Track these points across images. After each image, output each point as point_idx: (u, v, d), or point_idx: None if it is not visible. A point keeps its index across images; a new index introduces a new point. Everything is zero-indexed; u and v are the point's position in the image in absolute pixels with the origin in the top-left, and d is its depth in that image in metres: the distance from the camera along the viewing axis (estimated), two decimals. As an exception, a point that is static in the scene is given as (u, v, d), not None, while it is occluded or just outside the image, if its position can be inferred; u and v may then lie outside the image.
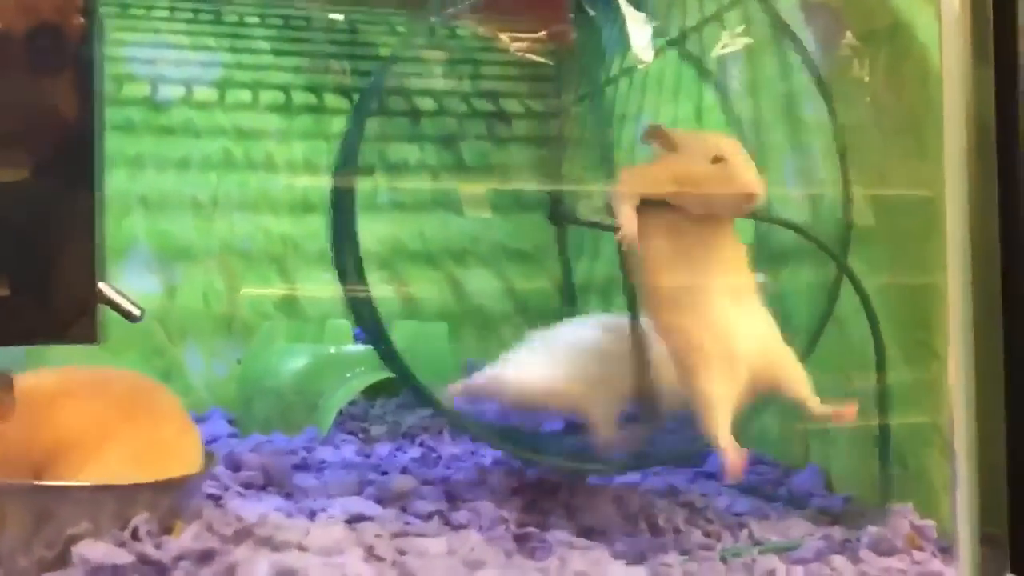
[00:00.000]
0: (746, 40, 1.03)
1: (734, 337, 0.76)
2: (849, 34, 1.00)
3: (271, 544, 0.61)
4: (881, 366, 0.90)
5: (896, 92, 0.95)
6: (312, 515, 0.74)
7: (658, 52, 1.27)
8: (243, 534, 0.63)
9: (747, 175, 0.77)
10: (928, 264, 0.90)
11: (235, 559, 0.59)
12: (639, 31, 1.24)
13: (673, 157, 0.80)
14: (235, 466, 0.82)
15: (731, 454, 0.72)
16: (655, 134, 0.82)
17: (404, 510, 0.82)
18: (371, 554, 0.63)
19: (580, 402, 0.87)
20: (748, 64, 1.17)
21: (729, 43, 1.04)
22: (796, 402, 0.77)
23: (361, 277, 0.88)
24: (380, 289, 1.53)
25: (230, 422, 1.27)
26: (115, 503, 0.64)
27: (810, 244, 0.95)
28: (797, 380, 0.78)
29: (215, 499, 0.72)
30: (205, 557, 0.60)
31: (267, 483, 0.81)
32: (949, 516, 0.83)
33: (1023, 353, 0.80)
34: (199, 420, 1.26)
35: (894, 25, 0.96)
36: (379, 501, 0.82)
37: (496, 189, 1.48)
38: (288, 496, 0.81)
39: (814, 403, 0.78)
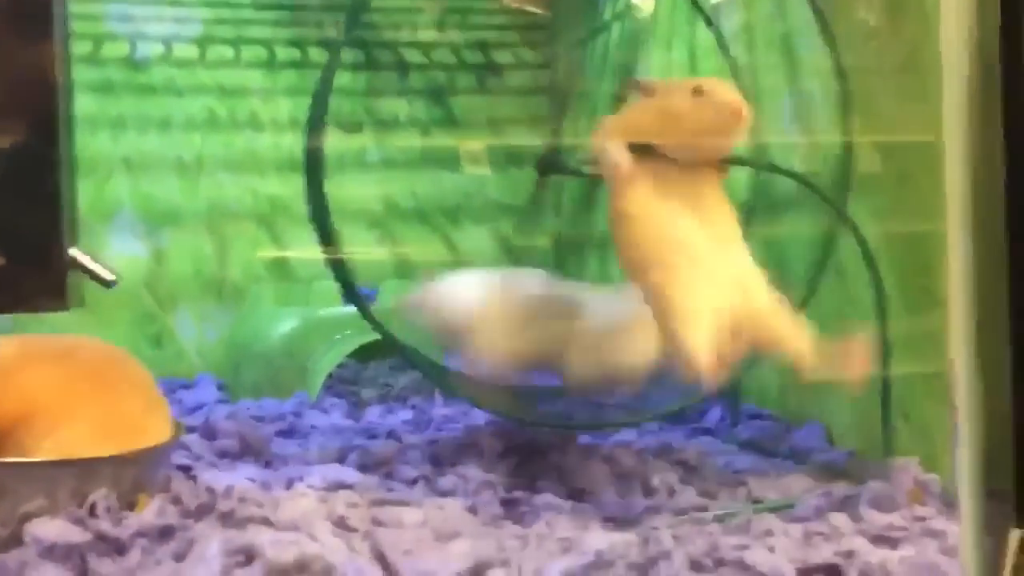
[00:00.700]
0: None
1: (716, 287, 0.72)
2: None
3: (234, 518, 0.58)
4: (882, 315, 0.86)
5: (896, 33, 0.91)
6: (290, 484, 0.71)
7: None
8: (205, 508, 0.61)
9: (729, 96, 0.73)
10: (930, 210, 0.86)
11: (195, 535, 0.56)
12: None
13: (653, 99, 0.77)
14: (210, 434, 0.80)
15: (702, 357, 0.67)
16: (632, 85, 0.80)
17: (389, 476, 0.79)
18: (342, 525, 0.60)
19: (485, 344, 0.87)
20: (744, 5, 1.12)
21: None
22: (790, 358, 0.74)
23: (331, 239, 0.85)
24: (370, 249, 1.51)
25: (220, 388, 1.24)
26: (73, 479, 0.62)
27: (808, 193, 0.92)
28: (790, 336, 0.74)
29: (186, 470, 0.70)
30: (164, 534, 0.58)
31: (244, 451, 0.78)
32: (952, 470, 0.81)
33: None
34: (188, 387, 1.25)
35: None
36: (362, 467, 0.80)
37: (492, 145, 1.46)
38: (267, 465, 0.78)
39: (809, 360, 0.74)
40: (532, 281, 0.95)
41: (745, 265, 0.76)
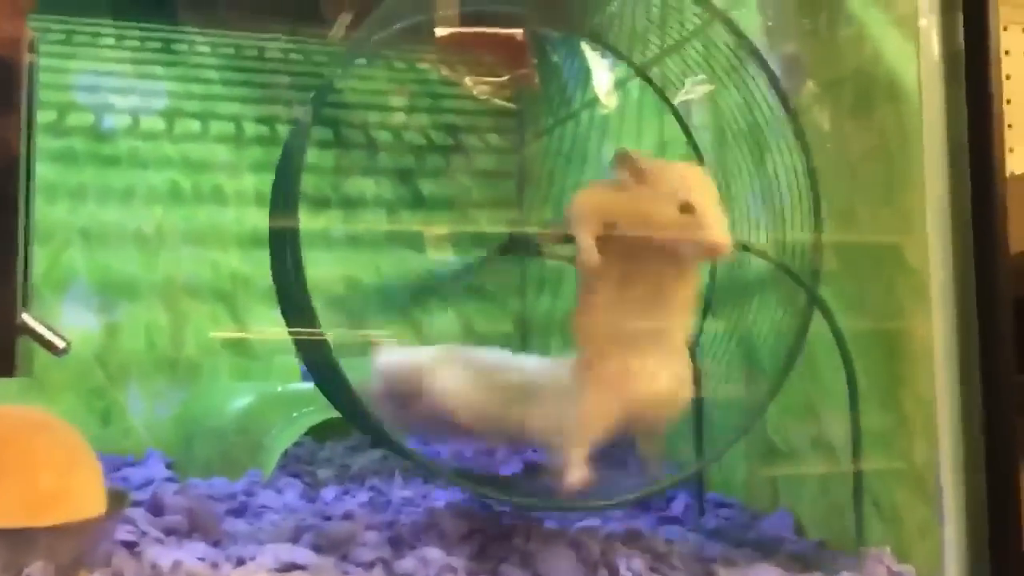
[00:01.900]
0: (709, 87, 1.00)
1: (640, 377, 0.76)
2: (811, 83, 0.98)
3: (179, 596, 0.54)
4: (854, 404, 0.85)
5: (863, 136, 0.92)
6: (240, 563, 0.67)
7: (620, 84, 1.24)
8: (150, 585, 0.57)
9: (715, 229, 0.73)
10: (897, 307, 0.86)
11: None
12: (602, 76, 1.21)
13: (639, 190, 0.76)
14: (157, 510, 0.75)
15: (574, 469, 0.74)
16: (624, 161, 0.79)
17: (344, 558, 0.76)
18: (296, 607, 0.56)
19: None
20: (711, 99, 1.14)
21: (691, 90, 1.02)
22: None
23: (310, 316, 0.82)
24: (332, 329, 1.49)
25: (169, 466, 1.19)
26: (6, 550, 0.57)
27: (776, 283, 0.92)
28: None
29: (130, 546, 0.66)
30: (105, 611, 0.53)
31: (193, 529, 0.74)
32: (927, 560, 0.79)
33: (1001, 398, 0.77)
34: (135, 464, 1.20)
35: (862, 70, 0.93)
36: (317, 549, 0.76)
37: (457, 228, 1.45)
38: (216, 544, 0.74)
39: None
40: (489, 352, 0.95)
41: (671, 373, 0.79)
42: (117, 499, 0.66)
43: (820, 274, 0.89)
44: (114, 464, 1.20)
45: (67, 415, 1.31)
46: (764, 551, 0.89)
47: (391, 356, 0.95)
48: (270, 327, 1.37)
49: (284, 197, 0.87)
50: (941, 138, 0.86)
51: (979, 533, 0.69)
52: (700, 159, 1.04)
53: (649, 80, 1.04)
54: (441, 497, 1.03)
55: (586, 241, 0.76)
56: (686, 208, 0.73)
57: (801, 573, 0.81)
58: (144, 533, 0.68)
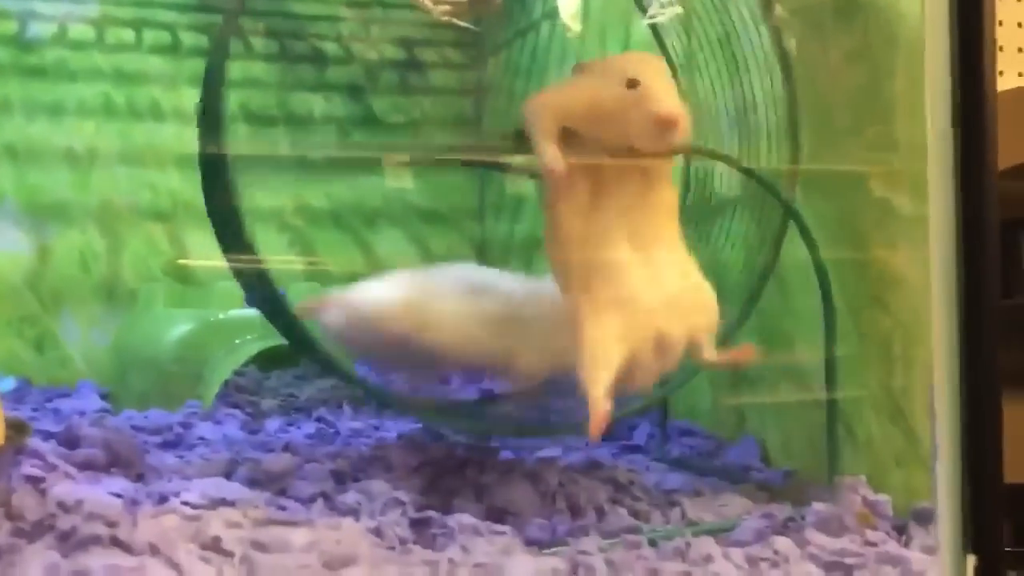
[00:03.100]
0: (677, 9, 0.94)
1: (639, 290, 0.67)
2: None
3: (75, 538, 0.48)
4: (831, 328, 0.80)
5: (848, 62, 0.86)
6: (162, 500, 0.61)
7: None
8: (43, 526, 0.50)
9: (664, 100, 0.66)
10: (872, 235, 0.81)
11: (20, 558, 0.46)
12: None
13: (586, 79, 0.70)
14: (71, 443, 0.69)
15: (597, 408, 0.64)
16: (578, 67, 0.74)
17: (282, 493, 0.70)
18: (213, 548, 0.51)
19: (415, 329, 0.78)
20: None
21: (661, 12, 0.95)
22: (693, 349, 0.69)
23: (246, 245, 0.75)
24: (280, 254, 1.41)
25: (103, 397, 1.13)
26: None
27: (749, 200, 0.86)
28: (701, 327, 0.69)
29: (35, 481, 0.59)
30: (-17, 554, 0.47)
31: (112, 463, 0.68)
32: (902, 490, 0.75)
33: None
34: (65, 395, 1.13)
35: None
36: (252, 483, 0.70)
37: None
38: (139, 478, 0.68)
39: (709, 352, 0.70)
40: (464, 271, 0.86)
41: (678, 263, 0.70)
42: (16, 430, 0.60)
43: (794, 194, 0.84)
44: (46, 396, 1.13)
45: (-3, 343, 1.27)
46: (730, 480, 0.85)
47: (348, 297, 0.84)
48: (212, 251, 1.30)
49: (208, 117, 0.79)
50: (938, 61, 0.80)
51: (960, 463, 0.65)
52: (674, 71, 0.97)
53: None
54: (393, 429, 0.97)
55: (547, 147, 0.68)
56: (632, 84, 0.67)
57: (770, 503, 0.77)
58: (54, 467, 0.62)
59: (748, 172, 0.84)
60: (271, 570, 0.48)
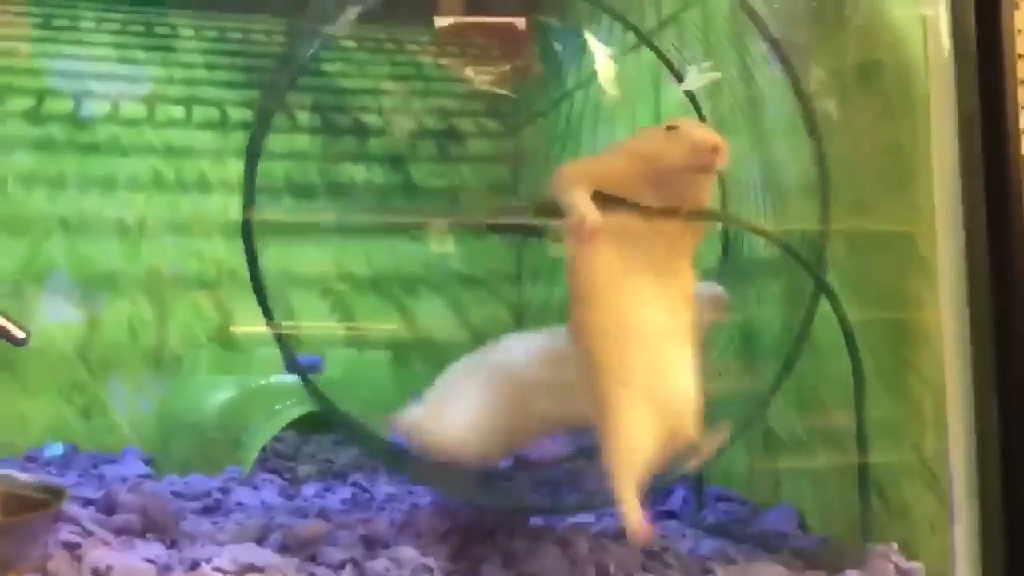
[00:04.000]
0: (716, 75, 0.95)
1: (662, 381, 0.68)
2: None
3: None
4: (860, 393, 0.80)
5: (874, 125, 0.87)
6: (194, 566, 0.63)
7: (618, 60, 1.19)
8: (75, 592, 0.52)
9: (705, 132, 0.69)
10: (905, 298, 0.81)
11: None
12: (605, 65, 1.16)
13: (620, 143, 0.72)
14: (109, 509, 0.71)
15: (632, 517, 0.64)
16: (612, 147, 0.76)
17: (312, 559, 0.71)
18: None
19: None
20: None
21: (698, 78, 0.97)
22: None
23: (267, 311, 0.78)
24: (320, 320, 1.44)
25: (147, 463, 1.15)
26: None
27: (782, 267, 0.86)
28: (699, 426, 0.69)
29: (72, 547, 0.61)
30: (24, 621, 0.49)
31: (146, 529, 0.69)
32: (937, 558, 0.74)
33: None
34: (111, 461, 1.15)
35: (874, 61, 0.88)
36: (283, 549, 0.71)
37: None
38: (172, 544, 0.69)
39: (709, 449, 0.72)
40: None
41: (686, 356, 0.70)
42: (53, 495, 0.62)
43: (826, 261, 0.84)
44: (92, 462, 1.16)
45: (46, 412, 1.30)
46: (766, 547, 0.84)
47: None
48: (256, 319, 1.32)
49: (248, 187, 0.82)
50: (952, 120, 0.80)
51: (992, 529, 0.64)
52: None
53: (654, 47, 0.98)
54: (427, 494, 0.98)
55: (581, 201, 0.68)
56: (671, 128, 0.69)
57: (804, 571, 0.76)
58: (90, 533, 0.63)
59: (785, 247, 0.84)
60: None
